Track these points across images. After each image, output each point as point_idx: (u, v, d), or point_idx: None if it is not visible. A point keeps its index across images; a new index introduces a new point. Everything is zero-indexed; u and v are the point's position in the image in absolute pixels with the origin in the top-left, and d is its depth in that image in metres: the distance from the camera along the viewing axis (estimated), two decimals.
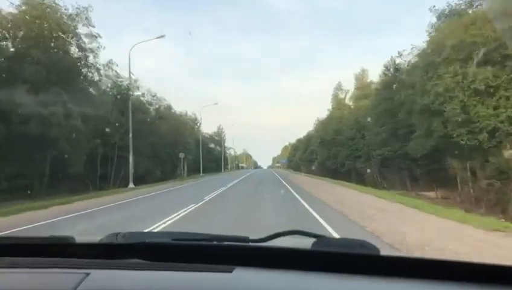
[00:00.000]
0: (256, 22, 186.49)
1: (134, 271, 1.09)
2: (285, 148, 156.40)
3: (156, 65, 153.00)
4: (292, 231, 1.28)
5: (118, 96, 30.96)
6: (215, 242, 1.25)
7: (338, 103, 52.71)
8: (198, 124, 62.85)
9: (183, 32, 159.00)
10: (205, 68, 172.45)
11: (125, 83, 30.63)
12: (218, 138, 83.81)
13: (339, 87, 54.07)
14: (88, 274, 1.03)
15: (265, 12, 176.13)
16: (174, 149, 46.98)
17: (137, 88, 35.00)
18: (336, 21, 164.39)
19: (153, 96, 42.57)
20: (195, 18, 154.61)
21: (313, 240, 1.19)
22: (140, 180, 32.07)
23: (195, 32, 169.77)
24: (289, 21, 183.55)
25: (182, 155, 47.66)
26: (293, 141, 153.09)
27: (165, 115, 46.13)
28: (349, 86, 53.59)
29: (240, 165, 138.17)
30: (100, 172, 30.47)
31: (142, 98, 38.32)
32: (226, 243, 1.26)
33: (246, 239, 1.26)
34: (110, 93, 30.90)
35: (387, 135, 28.57)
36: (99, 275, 1.05)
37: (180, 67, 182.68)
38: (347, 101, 52.28)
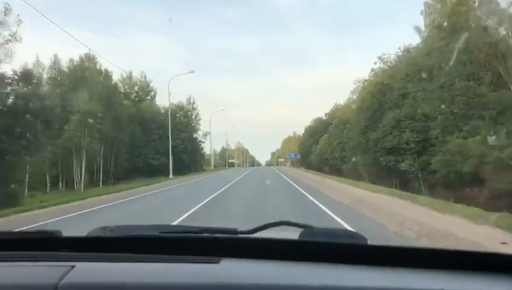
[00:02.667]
0: (254, 18, 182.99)
1: (120, 263, 1.08)
2: (287, 140, 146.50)
3: (150, 58, 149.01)
4: (280, 222, 1.29)
5: None
6: (202, 234, 1.24)
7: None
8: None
9: (180, 26, 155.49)
10: (199, 62, 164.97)
11: None
12: (186, 119, 56.92)
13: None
14: (73, 267, 1.03)
15: (264, 8, 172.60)
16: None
17: None
18: (333, 17, 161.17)
19: None
20: (193, 13, 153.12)
21: (300, 230, 1.19)
22: None
23: (192, 26, 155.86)
24: (287, 16, 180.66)
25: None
26: (291, 132, 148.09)
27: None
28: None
29: (230, 161, 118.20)
30: None
31: None
32: (213, 235, 1.23)
33: (234, 231, 1.25)
34: None
35: None
36: (85, 268, 1.04)
37: (175, 61, 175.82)
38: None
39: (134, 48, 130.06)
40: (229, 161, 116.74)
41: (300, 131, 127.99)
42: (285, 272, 1.03)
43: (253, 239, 1.22)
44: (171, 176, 39.22)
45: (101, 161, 38.53)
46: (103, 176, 39.51)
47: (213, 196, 17.23)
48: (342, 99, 57.56)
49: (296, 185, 23.09)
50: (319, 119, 66.66)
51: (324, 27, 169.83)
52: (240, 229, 1.27)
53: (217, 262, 1.06)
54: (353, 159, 34.21)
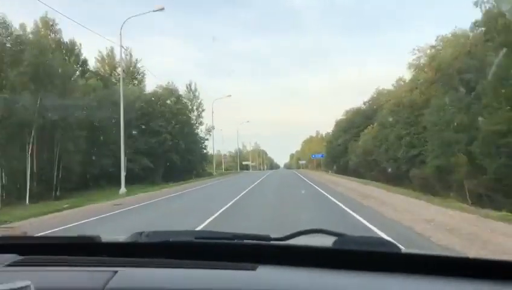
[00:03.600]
0: (269, 19, 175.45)
1: (160, 269, 1.11)
2: (308, 141, 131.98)
3: (169, 61, 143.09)
4: (313, 229, 1.29)
5: None
6: (236, 241, 1.26)
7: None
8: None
9: (196, 30, 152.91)
10: (215, 64, 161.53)
11: None
12: (179, 106, 41.69)
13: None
14: (116, 272, 1.06)
15: (280, 9, 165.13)
16: None
17: None
18: (351, 17, 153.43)
19: None
20: (208, 16, 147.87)
21: (334, 238, 1.19)
22: None
23: (206, 27, 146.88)
24: (304, 17, 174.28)
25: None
26: (310, 134, 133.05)
27: None
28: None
29: (244, 163, 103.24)
30: None
31: None
32: (248, 241, 1.26)
33: (267, 238, 1.27)
34: None
35: None
36: (127, 273, 1.07)
37: (190, 63, 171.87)
38: None
39: (147, 49, 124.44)
40: (243, 163, 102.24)
41: (324, 130, 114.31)
42: (322, 280, 1.04)
43: (288, 246, 1.22)
44: (122, 189, 23.88)
45: (33, 163, 24.90)
46: (42, 187, 25.94)
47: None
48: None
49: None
50: (355, 110, 51.85)
51: (342, 28, 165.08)
52: (272, 235, 1.27)
53: (254, 269, 1.08)
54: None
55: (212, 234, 1.33)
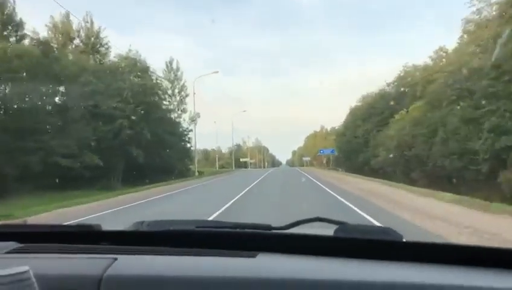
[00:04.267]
0: (273, 16, 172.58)
1: (160, 256, 1.10)
2: (312, 136, 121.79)
3: (167, 56, 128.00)
4: (313, 218, 1.29)
5: None
6: (238, 229, 1.27)
7: None
8: None
9: (201, 26, 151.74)
10: (218, 61, 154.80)
11: None
12: (143, 81, 30.76)
13: None
14: (115, 259, 1.05)
15: (284, 8, 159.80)
16: None
17: None
18: (354, 17, 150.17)
19: None
20: (212, 12, 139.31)
21: (335, 226, 1.19)
22: None
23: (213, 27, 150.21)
24: (307, 16, 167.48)
25: None
26: (312, 131, 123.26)
27: None
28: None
29: (242, 160, 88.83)
30: None
31: None
32: (248, 230, 1.27)
33: (268, 227, 1.28)
34: None
35: None
36: (127, 260, 1.07)
37: (194, 60, 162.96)
38: None
39: (154, 47, 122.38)
40: (241, 160, 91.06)
41: (328, 126, 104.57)
42: (323, 267, 1.03)
43: (289, 235, 1.23)
44: None
45: None
46: None
47: None
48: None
49: None
50: (377, 94, 41.52)
51: (345, 27, 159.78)
52: (273, 225, 1.28)
53: (254, 256, 1.07)
54: None
55: (214, 223, 1.41)
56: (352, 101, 60.45)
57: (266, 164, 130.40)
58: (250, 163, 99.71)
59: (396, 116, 29.48)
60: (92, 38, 36.40)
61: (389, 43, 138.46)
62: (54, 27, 35.73)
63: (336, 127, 67.20)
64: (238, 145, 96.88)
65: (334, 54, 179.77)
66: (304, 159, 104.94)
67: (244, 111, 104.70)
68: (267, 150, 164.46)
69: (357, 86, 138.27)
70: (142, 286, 0.98)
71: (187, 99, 42.41)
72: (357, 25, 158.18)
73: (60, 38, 35.51)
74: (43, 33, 32.17)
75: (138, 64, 30.26)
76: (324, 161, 70.43)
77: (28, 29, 30.10)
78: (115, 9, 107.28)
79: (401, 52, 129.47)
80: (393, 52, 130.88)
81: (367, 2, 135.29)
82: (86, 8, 56.00)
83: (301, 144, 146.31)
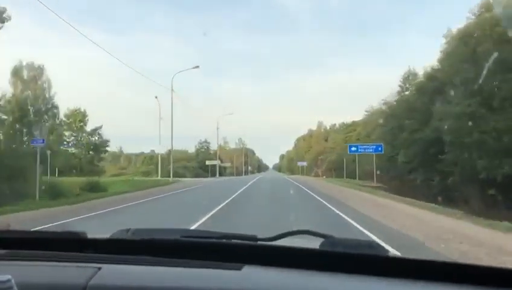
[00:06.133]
0: (260, 20, 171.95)
1: (144, 266, 1.10)
2: (307, 137, 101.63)
3: (159, 60, 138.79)
4: (300, 230, 1.28)
5: None
6: (223, 240, 1.26)
7: None
8: None
9: (190, 29, 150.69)
10: (207, 63, 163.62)
11: None
12: None
13: None
14: (100, 269, 1.05)
15: (271, 11, 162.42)
16: None
17: None
18: (344, 21, 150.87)
19: None
20: (202, 15, 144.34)
21: (321, 240, 1.18)
22: None
23: (202, 27, 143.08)
24: (295, 20, 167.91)
25: None
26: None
27: None
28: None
29: (209, 163, 63.57)
30: None
31: None
32: (234, 241, 1.25)
33: (254, 238, 1.26)
34: None
35: None
36: (111, 270, 1.07)
37: (185, 62, 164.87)
38: None
39: (143, 48, 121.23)
40: (207, 162, 63.85)
41: (328, 123, 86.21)
42: (307, 281, 1.03)
43: (275, 247, 1.21)
44: None
45: None
46: None
47: None
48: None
49: None
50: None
51: (335, 31, 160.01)
52: (259, 236, 1.28)
53: (239, 269, 1.07)
54: None
55: (199, 233, 1.35)
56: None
57: (249, 168, 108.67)
58: (226, 168, 77.62)
59: None
60: None
61: (378, 49, 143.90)
62: None
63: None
64: (207, 143, 74.64)
65: (324, 57, 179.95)
66: (300, 164, 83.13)
67: (231, 114, 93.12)
68: (253, 153, 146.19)
69: (348, 90, 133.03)
70: None
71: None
72: (346, 29, 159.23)
73: None
74: None
75: None
76: (347, 166, 46.76)
77: None
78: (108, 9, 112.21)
79: (389, 56, 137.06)
80: (382, 56, 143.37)
81: (355, 7, 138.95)
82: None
83: (290, 147, 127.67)
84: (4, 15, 20.22)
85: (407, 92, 38.79)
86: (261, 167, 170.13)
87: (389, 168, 36.40)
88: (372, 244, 1.18)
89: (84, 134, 54.19)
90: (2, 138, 27.53)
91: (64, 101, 73.77)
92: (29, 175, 17.38)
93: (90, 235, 1.28)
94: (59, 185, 19.39)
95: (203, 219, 10.74)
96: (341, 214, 12.49)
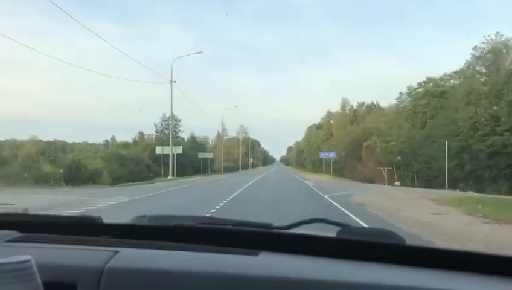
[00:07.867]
0: (270, 13, 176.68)
1: (161, 251, 1.11)
2: (313, 128, 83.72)
3: (167, 50, 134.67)
4: (316, 219, 1.28)
5: None
6: (239, 227, 1.27)
7: None
8: None
9: (196, 21, 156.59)
10: (213, 55, 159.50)
11: None
12: None
13: None
14: (117, 252, 1.06)
15: (281, 4, 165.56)
16: None
17: None
18: (351, 14, 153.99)
19: None
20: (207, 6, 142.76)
21: (337, 228, 1.19)
22: None
23: (208, 22, 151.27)
24: (303, 14, 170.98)
25: None
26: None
27: None
28: None
29: (202, 157, 53.99)
30: None
31: None
32: (251, 228, 1.26)
33: (270, 226, 1.28)
34: None
35: None
36: (128, 253, 1.07)
37: (189, 56, 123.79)
38: None
39: (150, 39, 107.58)
40: (200, 155, 52.18)
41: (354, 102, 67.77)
42: (324, 268, 1.03)
43: (291, 234, 1.22)
44: None
45: None
46: None
47: None
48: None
49: None
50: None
51: (342, 24, 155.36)
52: (274, 224, 1.28)
53: (256, 255, 1.08)
54: None
55: (216, 220, 1.37)
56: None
57: (251, 160, 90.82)
58: (213, 160, 58.64)
59: None
60: None
61: (385, 42, 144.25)
62: None
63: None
64: (177, 121, 54.46)
65: (333, 50, 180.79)
66: (324, 155, 62.37)
67: (237, 106, 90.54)
68: (259, 144, 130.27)
69: (355, 83, 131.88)
70: (143, 279, 0.98)
71: None
72: (354, 23, 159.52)
73: None
74: None
75: None
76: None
77: None
78: None
79: (395, 51, 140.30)
80: (390, 52, 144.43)
81: (364, 1, 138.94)
82: None
83: (300, 138, 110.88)
84: None
85: None
86: (266, 160, 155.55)
87: None
88: (389, 233, 1.17)
89: None
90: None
91: None
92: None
93: (106, 221, 1.28)
94: None
95: None
96: None
